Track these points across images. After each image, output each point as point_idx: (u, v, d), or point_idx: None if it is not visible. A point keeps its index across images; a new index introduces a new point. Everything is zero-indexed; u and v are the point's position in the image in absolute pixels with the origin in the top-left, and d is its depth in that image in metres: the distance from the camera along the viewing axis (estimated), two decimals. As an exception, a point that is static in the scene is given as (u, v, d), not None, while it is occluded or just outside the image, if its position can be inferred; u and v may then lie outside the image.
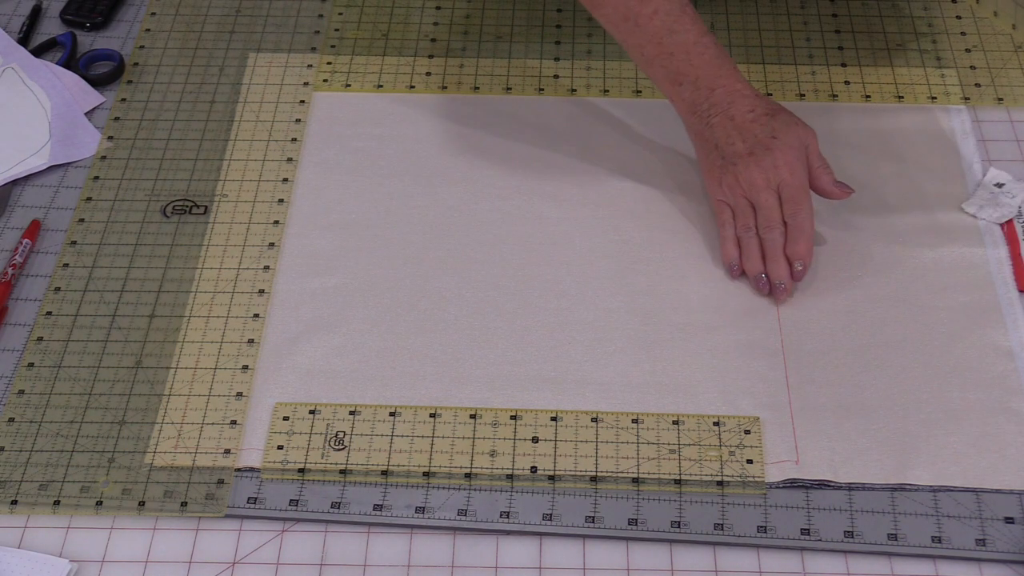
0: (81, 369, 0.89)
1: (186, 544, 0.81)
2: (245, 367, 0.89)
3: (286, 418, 0.87)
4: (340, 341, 0.91)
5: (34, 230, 0.98)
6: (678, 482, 0.83)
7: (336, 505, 0.82)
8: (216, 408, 0.87)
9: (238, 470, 0.84)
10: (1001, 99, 1.08)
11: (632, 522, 0.81)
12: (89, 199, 1.01)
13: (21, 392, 0.88)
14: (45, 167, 1.03)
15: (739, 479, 0.83)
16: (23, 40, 1.15)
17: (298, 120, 1.07)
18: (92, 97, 1.09)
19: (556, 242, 0.98)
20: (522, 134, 1.06)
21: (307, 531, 0.81)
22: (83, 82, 1.10)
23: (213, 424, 0.86)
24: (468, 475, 0.83)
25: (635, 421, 0.86)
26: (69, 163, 1.04)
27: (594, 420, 0.86)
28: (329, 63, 1.12)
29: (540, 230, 0.98)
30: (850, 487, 0.82)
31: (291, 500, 0.82)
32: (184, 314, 0.93)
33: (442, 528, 0.81)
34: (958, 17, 1.16)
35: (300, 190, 1.02)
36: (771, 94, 1.08)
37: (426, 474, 0.83)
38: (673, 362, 0.90)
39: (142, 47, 1.14)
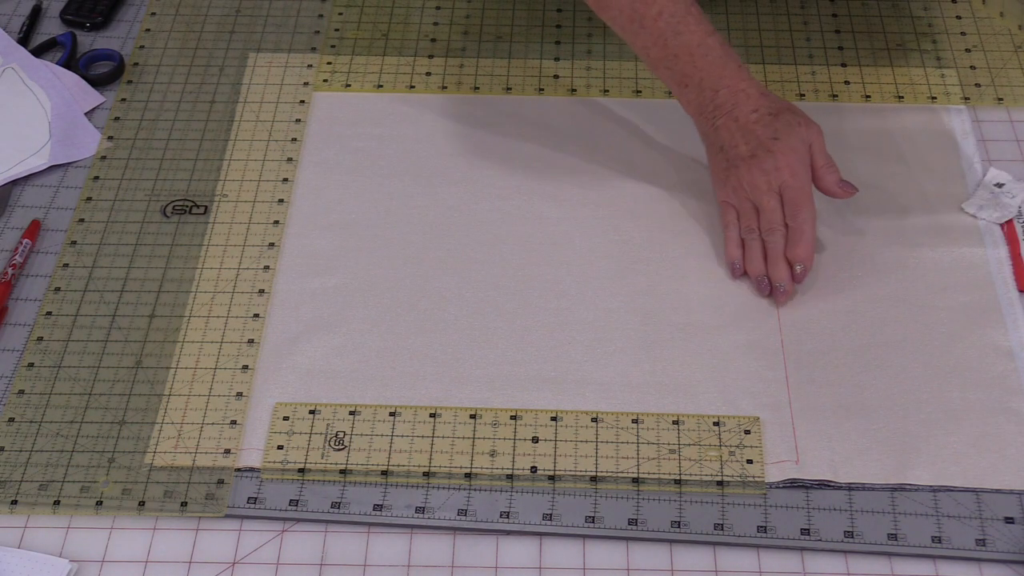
0: (81, 369, 0.89)
1: (186, 544, 0.81)
2: (245, 367, 0.89)
3: (286, 418, 0.87)
4: (340, 341, 0.91)
5: (34, 230, 0.98)
6: (678, 482, 0.83)
7: (336, 505, 0.82)
8: (216, 408, 0.87)
9: (238, 470, 0.84)
10: (1001, 99, 1.08)
11: (632, 522, 0.81)
12: (89, 199, 1.01)
13: (21, 392, 0.88)
14: (45, 167, 1.03)
15: (739, 479, 0.83)
16: (23, 40, 1.15)
17: (298, 120, 1.07)
18: (92, 97, 1.09)
19: (556, 242, 0.98)
20: (522, 134, 1.06)
21: (307, 531, 0.81)
22: (83, 82, 1.10)
23: (213, 424, 0.86)
24: (468, 475, 0.83)
25: (635, 421, 0.86)
26: (69, 163, 1.04)
27: (594, 420, 0.86)
28: (329, 63, 1.12)
29: (540, 230, 0.98)
30: (850, 487, 0.82)
31: (291, 500, 0.82)
32: (184, 314, 0.93)
33: (442, 528, 0.81)
34: (958, 17, 1.16)
35: (300, 190, 1.02)
36: (771, 94, 1.08)
37: (426, 474, 0.83)
38: (673, 362, 0.90)
39: (142, 47, 1.14)
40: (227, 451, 0.85)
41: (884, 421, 0.86)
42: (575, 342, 0.91)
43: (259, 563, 0.80)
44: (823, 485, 0.83)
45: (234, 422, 0.86)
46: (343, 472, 0.84)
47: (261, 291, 0.94)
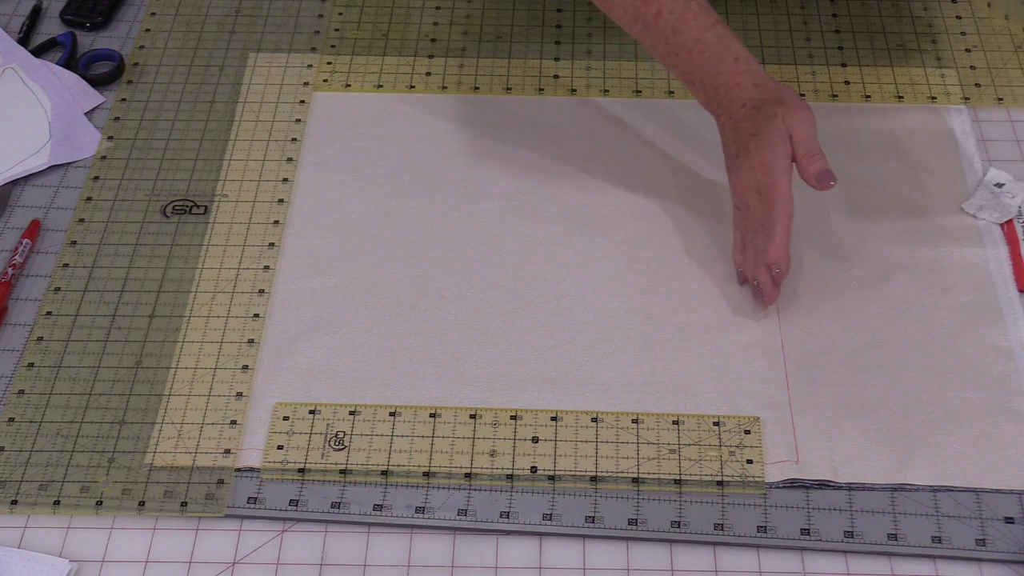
0: (81, 369, 0.89)
1: (186, 544, 0.81)
2: (245, 367, 0.89)
3: (286, 418, 0.87)
4: (340, 341, 0.91)
5: (34, 230, 0.98)
6: (678, 482, 0.83)
7: (336, 505, 0.82)
8: (216, 408, 0.87)
9: (238, 470, 0.84)
10: (1001, 99, 1.08)
11: (632, 522, 0.81)
12: (89, 199, 1.01)
13: (21, 392, 0.88)
14: (45, 167, 1.03)
15: (739, 479, 0.83)
16: (23, 40, 1.15)
17: (298, 120, 1.07)
18: (92, 97, 1.09)
19: (556, 242, 0.98)
20: (522, 134, 1.06)
21: (307, 531, 0.81)
22: (83, 82, 1.10)
23: (213, 424, 0.86)
24: (468, 475, 0.83)
25: (635, 421, 0.86)
26: (69, 163, 1.04)
27: (594, 420, 0.86)
28: (329, 63, 1.12)
29: (540, 230, 0.98)
30: (850, 487, 0.82)
31: (291, 500, 0.82)
32: (184, 314, 0.93)
33: (442, 528, 0.81)
34: (958, 17, 1.16)
35: (300, 190, 1.02)
36: (771, 94, 1.08)
37: (426, 474, 0.83)
38: (673, 362, 0.90)
39: (142, 47, 1.14)
40: (227, 451, 0.85)
41: (884, 421, 0.86)
42: (575, 342, 0.91)
43: (259, 563, 0.80)
44: (823, 485, 0.83)
45: (234, 422, 0.86)
46: (343, 472, 0.84)
47: (261, 291, 0.94)
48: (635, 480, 0.83)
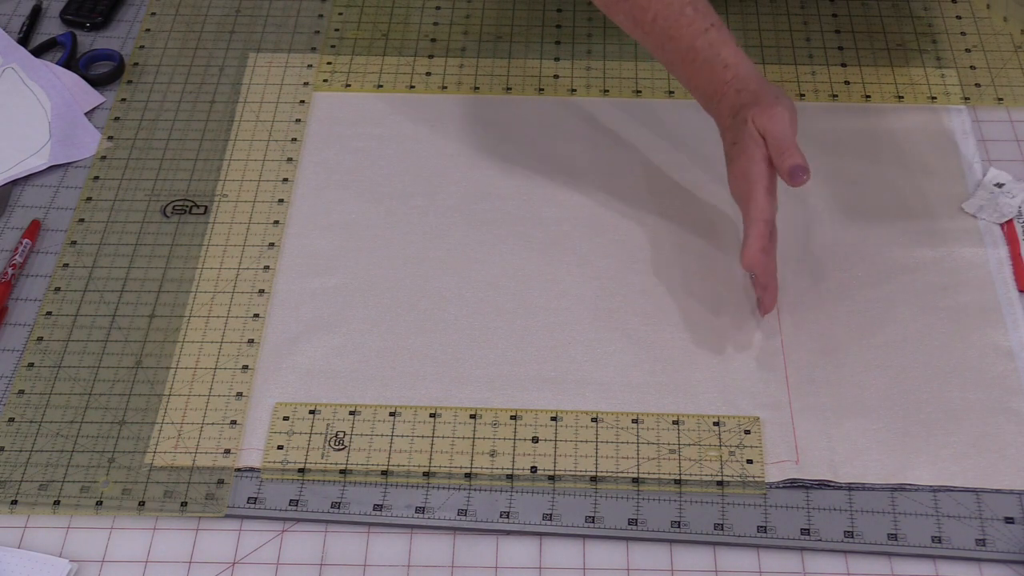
0: (81, 369, 0.89)
1: (186, 544, 0.81)
2: (245, 367, 0.89)
3: (286, 418, 0.87)
4: (340, 341, 0.91)
5: (34, 230, 0.98)
6: (678, 482, 0.83)
7: (336, 505, 0.82)
8: (216, 408, 0.87)
9: (238, 470, 0.84)
10: (1001, 99, 1.08)
11: (632, 522, 0.81)
12: (89, 199, 1.01)
13: (21, 392, 0.88)
14: (45, 167, 1.03)
15: (739, 479, 0.83)
16: (23, 40, 1.15)
17: (298, 120, 1.07)
18: (92, 97, 1.09)
19: (556, 242, 0.98)
20: (522, 134, 1.06)
21: (307, 531, 0.81)
22: (83, 82, 1.10)
23: (213, 424, 0.86)
24: (468, 475, 0.83)
25: (635, 421, 0.86)
26: (69, 163, 1.04)
27: (594, 420, 0.86)
28: (329, 63, 1.12)
29: (540, 230, 0.98)
30: (850, 487, 0.82)
31: (291, 500, 0.82)
32: (184, 314, 0.93)
33: (442, 528, 0.81)
34: (958, 17, 1.16)
35: (300, 190, 1.02)
36: (771, 94, 1.08)
37: (426, 474, 0.83)
38: (673, 362, 0.90)
39: (142, 47, 1.14)
40: (227, 451, 0.85)
41: (884, 421, 0.86)
42: (575, 342, 0.91)
43: (259, 563, 0.80)
44: (823, 485, 0.83)
45: (234, 422, 0.86)
46: (343, 472, 0.84)
47: (261, 291, 0.94)
48: (635, 480, 0.83)
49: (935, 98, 1.08)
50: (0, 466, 0.84)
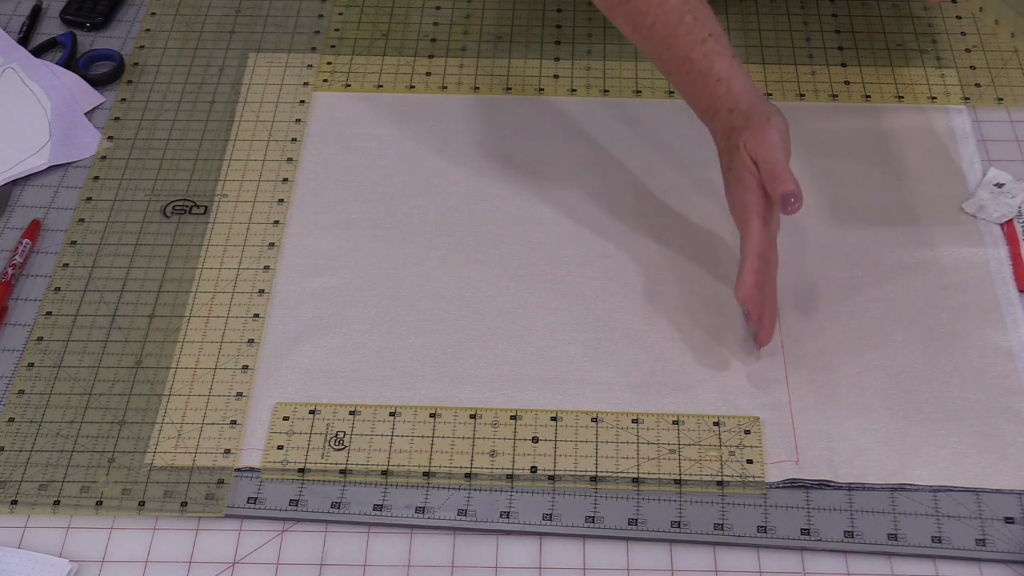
0: (81, 369, 0.89)
1: (186, 544, 0.81)
2: (245, 367, 0.89)
3: (286, 418, 0.87)
4: (340, 341, 0.91)
5: (34, 230, 0.98)
6: (678, 482, 0.83)
7: (336, 505, 0.82)
8: (216, 408, 0.87)
9: (238, 470, 0.84)
10: (1001, 99, 1.08)
11: (632, 522, 0.81)
12: (89, 199, 1.01)
13: (21, 392, 0.88)
14: (45, 167, 1.03)
15: (739, 479, 0.83)
16: (23, 40, 1.15)
17: (298, 120, 1.07)
18: (92, 97, 1.09)
19: (556, 242, 0.98)
20: (522, 134, 1.06)
21: (307, 531, 0.81)
22: (83, 82, 1.10)
23: (213, 424, 0.86)
24: (468, 475, 0.83)
25: (635, 421, 0.86)
26: (69, 163, 1.04)
27: (594, 420, 0.86)
28: (329, 63, 1.12)
29: (540, 230, 0.98)
30: (850, 487, 0.82)
31: (291, 500, 0.82)
32: (184, 314, 0.93)
33: (442, 528, 0.81)
34: (958, 17, 1.16)
35: (300, 190, 1.02)
36: (771, 94, 1.08)
37: (426, 474, 0.83)
38: (673, 362, 0.90)
39: (142, 47, 1.14)
40: (227, 451, 0.85)
41: (884, 421, 0.86)
42: (575, 342, 0.91)
43: (259, 563, 0.80)
44: (823, 485, 0.83)
45: (234, 422, 0.86)
46: (343, 472, 0.84)
47: (261, 291, 0.94)
48: (635, 480, 0.83)
49: (935, 98, 1.08)
50: (0, 466, 0.84)
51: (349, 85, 1.10)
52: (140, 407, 0.87)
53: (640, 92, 1.09)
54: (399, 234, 0.98)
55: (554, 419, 0.86)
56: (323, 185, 1.02)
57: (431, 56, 1.13)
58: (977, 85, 1.09)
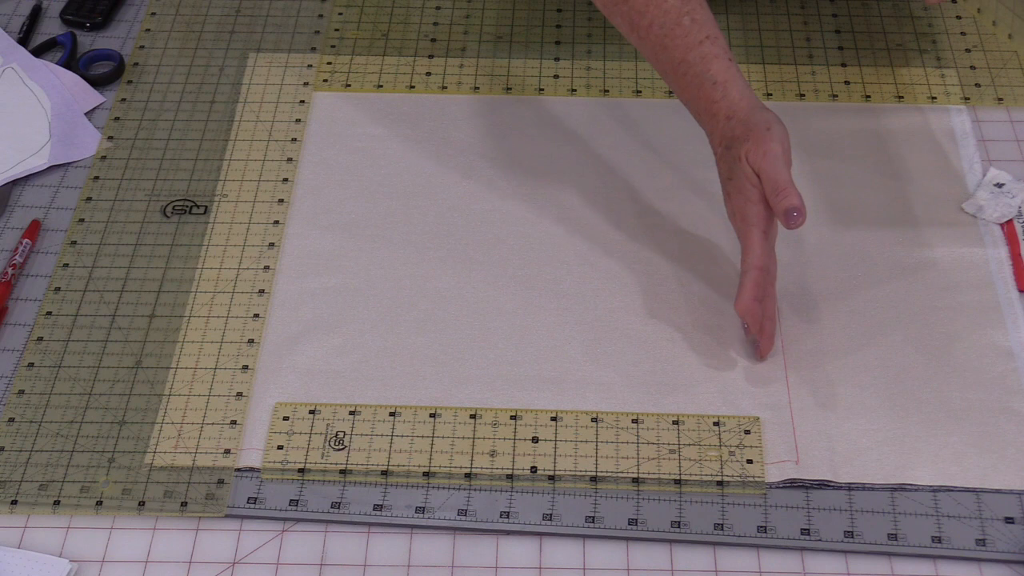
0: (81, 369, 0.89)
1: (186, 544, 0.81)
2: (245, 367, 0.89)
3: (286, 418, 0.86)
4: (340, 341, 0.91)
5: (34, 230, 0.98)
6: (678, 482, 0.83)
7: (336, 505, 0.82)
8: (216, 408, 0.87)
9: (238, 470, 0.84)
10: (1001, 99, 1.08)
11: (632, 522, 0.81)
12: (89, 199, 1.01)
13: (21, 392, 0.88)
14: (45, 167, 1.03)
15: (739, 479, 0.83)
16: (23, 40, 1.15)
17: (298, 120, 1.07)
18: (92, 97, 1.09)
19: (556, 242, 0.98)
20: (522, 134, 1.06)
21: (307, 531, 0.81)
22: (83, 82, 1.10)
23: (213, 424, 0.86)
24: (468, 475, 0.83)
25: (635, 421, 0.86)
26: (69, 163, 1.04)
27: (594, 420, 0.86)
28: (329, 63, 1.12)
29: (540, 230, 0.98)
30: (850, 487, 0.82)
31: (291, 500, 0.82)
32: (184, 314, 0.93)
33: (442, 528, 0.81)
34: (958, 17, 1.16)
35: (300, 190, 1.02)
36: (771, 94, 1.08)
37: (426, 474, 0.83)
38: (673, 362, 0.90)
39: (142, 47, 1.14)
40: (227, 451, 0.85)
41: (884, 421, 0.86)
42: (575, 342, 0.91)
43: (259, 563, 0.80)
44: (823, 485, 0.83)
45: (234, 422, 0.86)
46: (343, 472, 0.84)
47: (261, 291, 0.94)
48: (635, 480, 0.83)
49: (935, 98, 1.08)
50: (0, 466, 0.84)
51: (349, 85, 1.10)
52: (140, 407, 0.87)
53: (640, 92, 1.09)
54: (399, 234, 0.98)
55: (554, 419, 0.86)
56: (323, 185, 1.02)
57: (431, 56, 1.13)
58: (977, 85, 1.09)
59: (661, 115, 1.07)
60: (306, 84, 1.10)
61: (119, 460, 0.84)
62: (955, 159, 1.03)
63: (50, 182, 1.03)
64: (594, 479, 0.83)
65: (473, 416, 0.86)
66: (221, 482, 0.83)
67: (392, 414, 0.87)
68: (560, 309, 0.93)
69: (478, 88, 1.10)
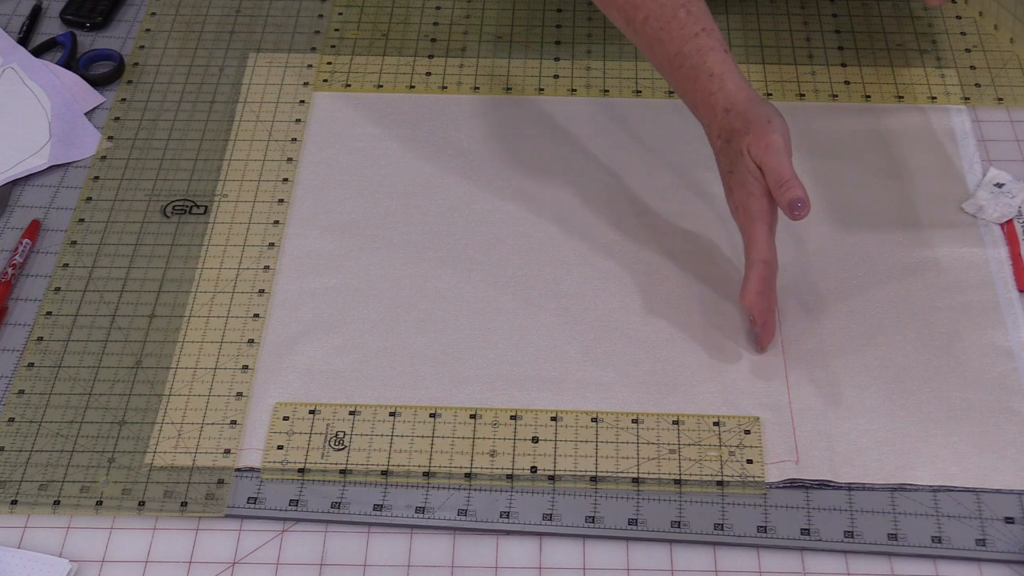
0: (81, 369, 0.89)
1: (186, 544, 0.81)
2: (245, 367, 0.89)
3: (286, 418, 0.87)
4: (340, 341, 0.91)
5: (34, 230, 0.98)
6: (678, 482, 0.83)
7: (336, 505, 0.82)
8: (216, 408, 0.87)
9: (238, 470, 0.84)
10: (1001, 99, 1.08)
11: (632, 522, 0.81)
12: (89, 199, 1.01)
13: (21, 392, 0.88)
14: (45, 167, 1.03)
15: (739, 479, 0.83)
16: (23, 40, 1.15)
17: (298, 120, 1.07)
18: (92, 97, 1.09)
19: (556, 242, 0.98)
20: (522, 134, 1.06)
21: (307, 531, 0.81)
22: (83, 82, 1.10)
23: (213, 424, 0.86)
24: (468, 475, 0.83)
25: (635, 421, 0.86)
26: (69, 163, 1.04)
27: (594, 420, 0.86)
28: (329, 63, 1.12)
29: (540, 230, 0.98)
30: (850, 487, 0.82)
31: (291, 500, 0.82)
32: (184, 314, 0.93)
33: (442, 528, 0.81)
34: (958, 17, 1.16)
35: (300, 190, 1.02)
36: (771, 94, 1.08)
37: (426, 474, 0.83)
38: (673, 362, 0.90)
39: (142, 47, 1.14)
40: (227, 451, 0.85)
41: (884, 421, 0.86)
42: (575, 342, 0.91)
43: (259, 563, 0.80)
44: (823, 485, 0.83)
45: (234, 422, 0.86)
46: (343, 472, 0.84)
47: (261, 291, 0.94)
48: (635, 480, 0.83)
49: (935, 98, 1.08)
50: (0, 466, 0.84)
51: (349, 85, 1.10)
52: (140, 407, 0.87)
53: (640, 92, 1.09)
54: (399, 234, 0.98)
55: (554, 419, 0.86)
56: (323, 185, 1.02)
57: (431, 56, 1.13)
58: (977, 85, 1.09)
59: (661, 115, 1.07)
60: (306, 84, 1.10)
61: (119, 460, 0.84)
62: (955, 159, 1.03)
63: (50, 182, 1.03)
64: (594, 479, 0.83)
65: (473, 416, 0.86)
66: (221, 482, 0.83)
67: (392, 414, 0.87)
68: (560, 309, 0.93)
69: (478, 88, 1.10)
